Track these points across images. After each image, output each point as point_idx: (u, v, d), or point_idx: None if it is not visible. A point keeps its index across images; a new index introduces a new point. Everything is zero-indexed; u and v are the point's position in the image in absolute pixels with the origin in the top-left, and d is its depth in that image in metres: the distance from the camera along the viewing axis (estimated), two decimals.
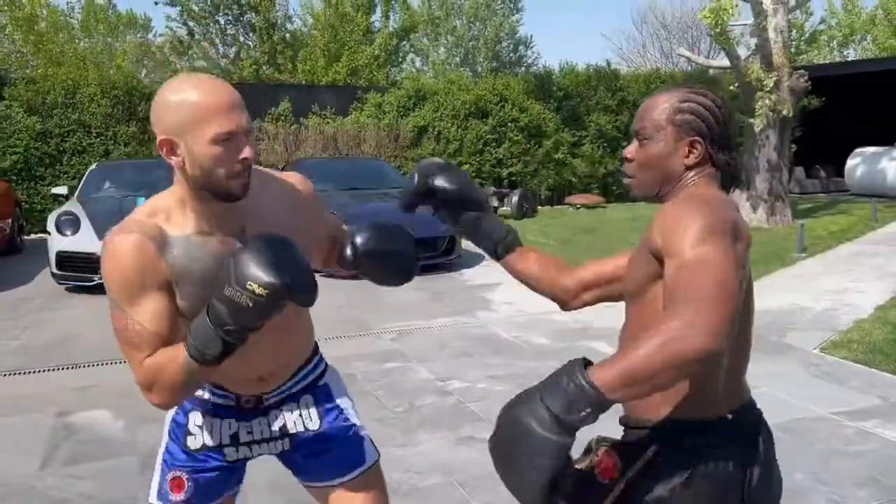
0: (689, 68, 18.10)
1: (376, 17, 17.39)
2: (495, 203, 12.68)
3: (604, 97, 15.05)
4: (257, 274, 1.26)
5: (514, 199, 12.48)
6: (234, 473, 1.78)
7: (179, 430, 1.73)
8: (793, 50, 11.70)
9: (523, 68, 36.33)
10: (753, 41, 11.94)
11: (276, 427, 1.74)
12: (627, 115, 15.11)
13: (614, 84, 15.28)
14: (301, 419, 1.75)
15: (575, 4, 58.06)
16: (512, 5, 40.87)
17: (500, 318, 6.16)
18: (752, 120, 11.17)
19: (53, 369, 4.87)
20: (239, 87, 13.86)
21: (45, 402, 4.25)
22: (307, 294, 1.33)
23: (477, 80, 15.56)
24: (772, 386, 4.21)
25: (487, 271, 8.19)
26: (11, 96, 11.41)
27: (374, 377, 4.63)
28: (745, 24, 13.30)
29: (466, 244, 9.19)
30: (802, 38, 12.46)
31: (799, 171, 17.29)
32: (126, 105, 11.99)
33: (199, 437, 1.71)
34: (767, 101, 11.04)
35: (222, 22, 15.69)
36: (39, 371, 4.84)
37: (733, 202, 1.36)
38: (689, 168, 1.38)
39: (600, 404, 1.12)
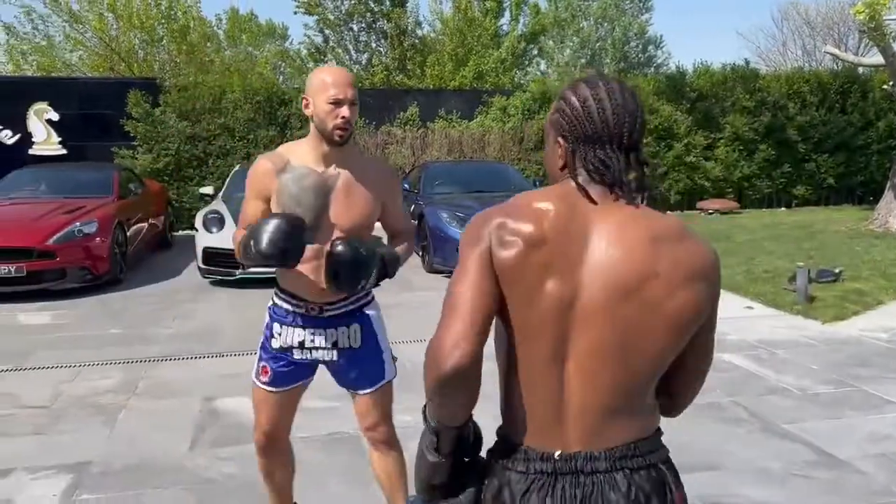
0: (836, 67, 16.92)
1: (504, 20, 17.44)
2: None
3: (741, 98, 14.34)
4: (260, 239, 2.09)
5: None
6: (302, 369, 2.44)
7: (268, 333, 2.43)
8: None
9: (653, 69, 35.26)
10: None
11: (330, 340, 2.37)
12: (767, 116, 14.34)
13: (753, 84, 14.53)
14: (348, 338, 2.38)
15: (709, 4, 55.69)
16: (641, 5, 39.82)
17: None
18: None
19: (200, 357, 5.22)
20: (370, 93, 14.34)
21: (193, 387, 4.57)
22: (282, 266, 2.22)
23: None
24: None
25: None
26: (166, 102, 12.32)
27: None
28: None
29: None
30: None
31: None
32: (266, 110, 12.66)
33: (277, 340, 2.40)
34: None
35: (356, 29, 16.25)
36: (188, 358, 5.20)
37: (553, 206, 1.22)
38: (562, 168, 1.31)
39: (435, 430, 1.27)
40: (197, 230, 7.85)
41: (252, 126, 12.50)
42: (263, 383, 2.46)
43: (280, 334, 2.40)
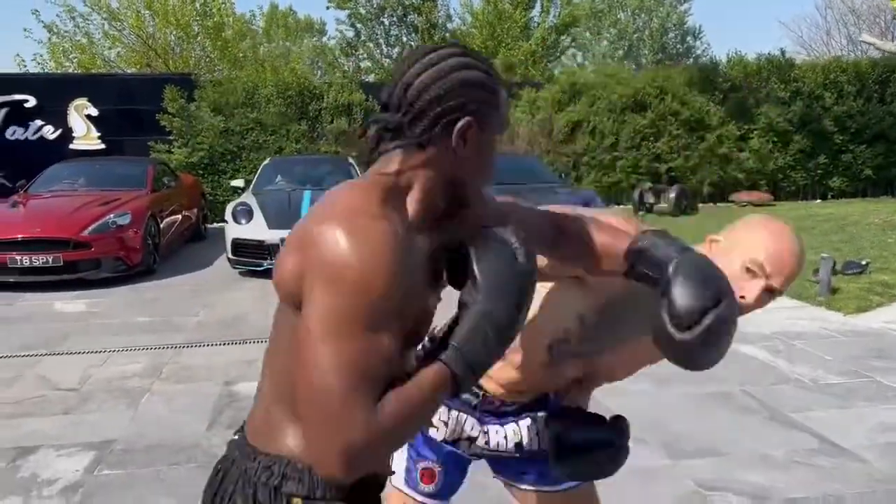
0: (878, 56, 16.52)
1: (536, 12, 17.38)
2: (651, 199, 12.31)
3: (776, 88, 14.12)
4: None
5: (672, 194, 12.05)
6: (463, 467, 1.80)
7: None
8: None
9: (691, 60, 34.76)
10: None
11: (508, 439, 1.72)
12: (801, 106, 14.08)
13: (788, 74, 14.29)
14: (538, 435, 1.72)
15: None
16: None
17: None
18: None
19: (226, 343, 5.39)
20: None
21: (214, 372, 4.73)
22: None
23: (636, 73, 15.11)
24: None
25: None
26: (200, 97, 12.60)
27: None
28: None
29: None
30: None
31: None
32: (298, 105, 12.86)
33: (441, 431, 1.71)
34: None
35: (387, 23, 16.38)
36: (213, 345, 5.38)
37: None
38: None
39: None
40: (227, 222, 8.06)
41: (284, 120, 12.72)
42: (426, 494, 1.76)
43: (446, 422, 1.72)
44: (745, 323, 4.60)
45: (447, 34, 16.72)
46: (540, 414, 1.72)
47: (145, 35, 17.02)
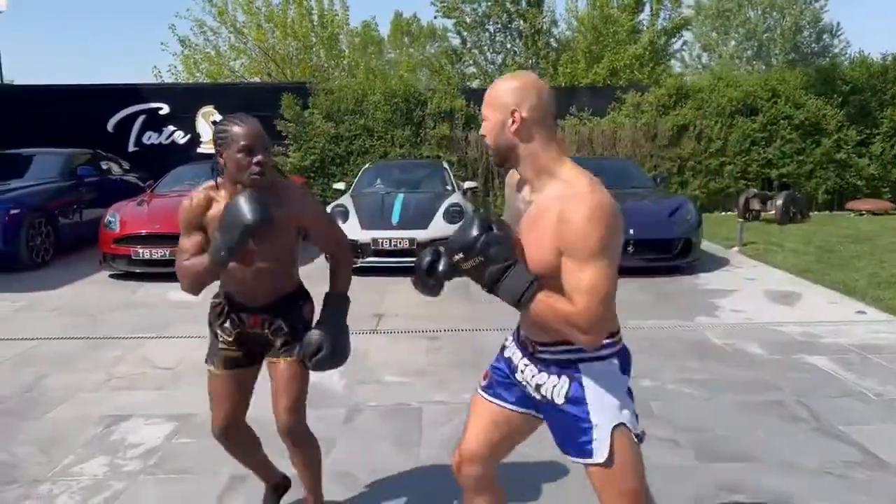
0: None
1: (644, 15, 17.11)
2: (757, 206, 11.87)
3: None
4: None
5: (779, 201, 11.58)
6: (515, 394, 2.11)
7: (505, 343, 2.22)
8: None
9: (827, 59, 32.82)
10: None
11: (534, 378, 2.00)
12: None
13: None
14: (552, 389, 1.95)
15: None
16: None
17: (718, 324, 5.95)
18: None
19: None
20: None
21: None
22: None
23: (748, 75, 14.56)
24: None
25: (726, 276, 7.85)
26: (314, 105, 13.35)
27: None
28: None
29: (706, 246, 8.84)
30: None
31: None
32: (403, 111, 13.35)
33: (507, 350, 2.16)
34: None
35: (492, 30, 16.64)
36: None
37: None
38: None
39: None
40: None
41: (389, 126, 13.24)
42: (480, 387, 2.21)
43: (508, 347, 2.18)
44: (819, 334, 4.59)
45: (552, 39, 16.78)
46: (563, 373, 1.96)
47: (266, 47, 18.20)
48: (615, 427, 1.87)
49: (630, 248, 7.71)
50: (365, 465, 3.46)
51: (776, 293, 6.99)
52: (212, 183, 2.52)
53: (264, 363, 2.75)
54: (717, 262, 8.55)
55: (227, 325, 2.70)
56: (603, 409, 1.88)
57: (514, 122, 1.83)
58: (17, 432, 3.92)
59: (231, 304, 2.68)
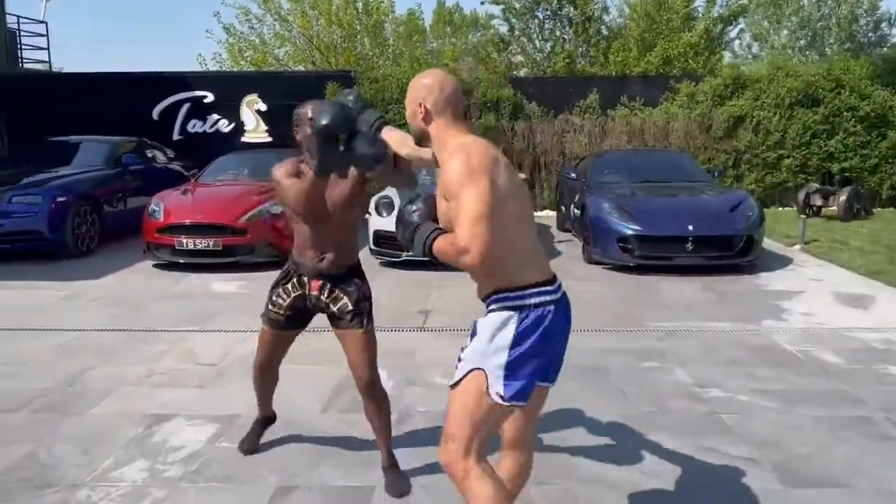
0: None
1: (700, 1, 16.52)
2: (818, 202, 11.32)
3: None
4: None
5: (842, 197, 11.01)
6: None
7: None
8: None
9: (885, 49, 31.58)
10: None
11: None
12: None
13: None
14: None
15: None
16: None
17: (789, 329, 5.59)
18: None
19: None
20: (549, 81, 14.28)
21: (341, 357, 4.94)
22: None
23: (809, 64, 13.93)
24: None
25: (791, 276, 7.44)
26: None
27: (627, 374, 4.56)
28: None
29: (766, 243, 8.40)
30: None
31: None
32: None
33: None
34: None
35: (541, 17, 16.25)
36: None
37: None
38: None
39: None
40: (370, 214, 8.36)
41: None
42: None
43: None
44: None
45: (603, 27, 16.32)
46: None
47: (310, 34, 18.07)
48: (472, 369, 2.15)
49: (689, 245, 7.36)
50: (415, 479, 3.22)
51: (846, 296, 6.58)
52: (303, 157, 3.00)
53: (328, 334, 3.35)
54: (779, 261, 8.13)
55: (288, 286, 3.12)
56: (473, 350, 2.18)
57: (421, 111, 2.24)
58: (58, 428, 3.80)
59: (297, 268, 3.09)
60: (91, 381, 4.52)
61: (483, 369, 2.13)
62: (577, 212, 8.73)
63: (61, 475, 3.27)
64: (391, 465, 3.18)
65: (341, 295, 3.06)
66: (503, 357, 2.11)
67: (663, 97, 13.11)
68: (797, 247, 8.87)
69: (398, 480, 3.13)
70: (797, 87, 12.56)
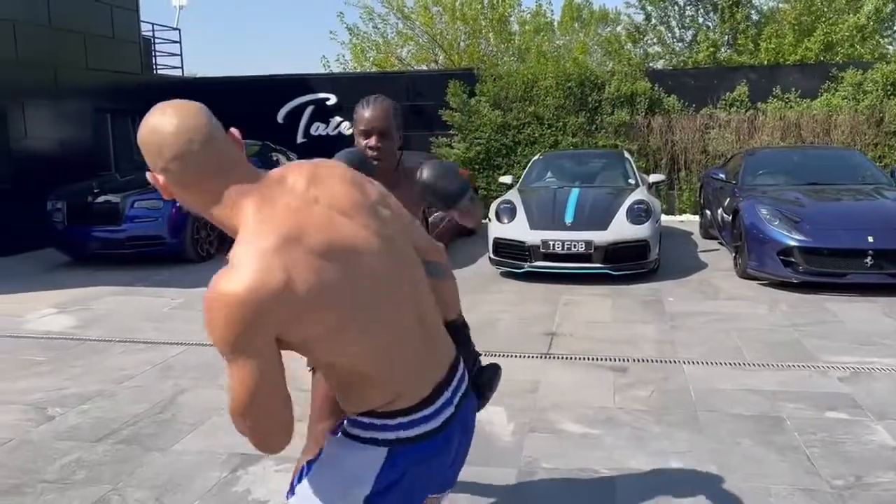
0: None
1: None
2: None
3: None
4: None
5: None
6: None
7: None
8: None
9: None
10: None
11: None
12: None
13: None
14: None
15: None
16: None
17: None
18: None
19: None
20: (691, 72, 13.11)
21: None
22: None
23: None
24: None
25: None
26: (481, 92, 12.58)
27: (809, 428, 3.63)
28: None
29: None
30: None
31: None
32: (578, 96, 12.26)
33: None
34: None
35: (681, 3, 15.01)
36: None
37: None
38: None
39: None
40: (490, 219, 7.78)
41: (561, 113, 12.23)
42: None
43: None
44: None
45: (752, 11, 14.84)
46: None
47: (434, 32, 17.67)
48: None
49: (868, 260, 6.20)
50: None
51: None
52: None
53: None
54: None
55: None
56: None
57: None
58: (138, 467, 3.40)
59: None
60: (184, 407, 4.15)
61: None
62: (728, 217, 7.70)
63: None
64: None
65: None
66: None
67: (823, 87, 11.67)
68: None
69: None
70: None
